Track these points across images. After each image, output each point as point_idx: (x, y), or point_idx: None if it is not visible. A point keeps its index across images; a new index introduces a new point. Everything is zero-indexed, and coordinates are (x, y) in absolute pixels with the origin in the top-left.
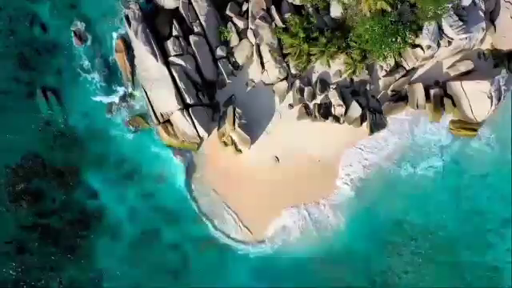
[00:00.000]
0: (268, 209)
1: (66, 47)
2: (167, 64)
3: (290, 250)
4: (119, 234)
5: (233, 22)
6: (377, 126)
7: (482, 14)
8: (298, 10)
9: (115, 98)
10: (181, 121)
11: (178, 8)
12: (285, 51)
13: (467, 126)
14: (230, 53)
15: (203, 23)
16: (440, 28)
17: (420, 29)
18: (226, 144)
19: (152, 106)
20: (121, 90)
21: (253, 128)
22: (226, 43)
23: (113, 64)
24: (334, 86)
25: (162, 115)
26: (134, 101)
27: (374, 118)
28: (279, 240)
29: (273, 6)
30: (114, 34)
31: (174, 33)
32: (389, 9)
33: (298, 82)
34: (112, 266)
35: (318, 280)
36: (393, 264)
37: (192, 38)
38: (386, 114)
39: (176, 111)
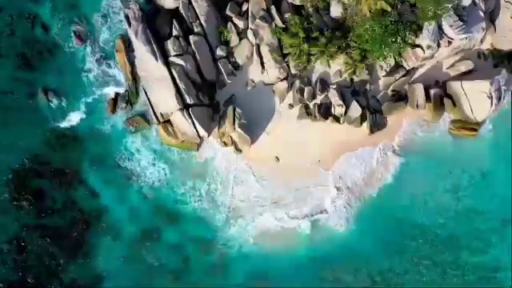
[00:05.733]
0: None
1: (66, 47)
2: (167, 64)
3: (290, 249)
4: (119, 233)
5: (233, 22)
6: (377, 126)
7: (481, 13)
8: (297, 10)
9: (115, 98)
10: (181, 121)
11: (178, 8)
12: (285, 51)
13: (467, 125)
14: (230, 53)
15: (203, 23)
16: (440, 28)
17: (420, 29)
18: (226, 144)
19: (152, 106)
20: (121, 90)
21: (253, 128)
22: (226, 43)
23: (113, 64)
24: (334, 86)
25: (162, 115)
26: (134, 101)
27: (374, 118)
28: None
29: (273, 6)
30: (114, 34)
31: (174, 33)
32: (389, 9)
33: (298, 82)
34: (112, 265)
35: (318, 280)
36: (393, 264)
37: (192, 38)
38: (386, 114)
39: (176, 111)
